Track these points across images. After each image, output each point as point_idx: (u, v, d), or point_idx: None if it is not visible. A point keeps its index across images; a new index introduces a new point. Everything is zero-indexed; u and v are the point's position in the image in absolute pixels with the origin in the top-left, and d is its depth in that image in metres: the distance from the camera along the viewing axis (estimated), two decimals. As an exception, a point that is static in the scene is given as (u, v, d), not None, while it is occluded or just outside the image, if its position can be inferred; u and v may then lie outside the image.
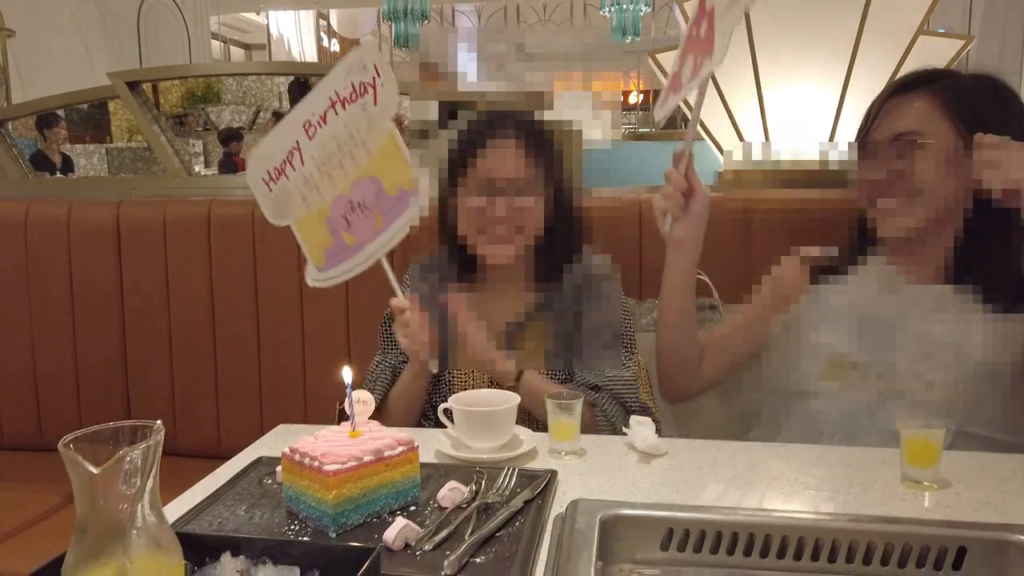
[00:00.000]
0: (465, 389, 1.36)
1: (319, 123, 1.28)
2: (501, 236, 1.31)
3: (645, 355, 1.62)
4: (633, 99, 10.38)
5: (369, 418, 0.97)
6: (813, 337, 1.30)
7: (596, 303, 1.36)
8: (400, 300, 1.28)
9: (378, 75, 1.23)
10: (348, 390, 0.91)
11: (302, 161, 1.30)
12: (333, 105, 1.27)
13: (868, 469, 1.03)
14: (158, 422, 0.70)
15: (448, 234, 1.39)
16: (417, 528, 0.84)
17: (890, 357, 1.23)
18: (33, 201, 1.99)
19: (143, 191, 2.08)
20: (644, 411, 1.33)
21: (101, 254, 1.93)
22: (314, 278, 1.34)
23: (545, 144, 1.34)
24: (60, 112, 5.91)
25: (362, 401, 0.93)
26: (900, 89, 1.24)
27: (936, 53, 1.67)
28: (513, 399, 1.10)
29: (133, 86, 2.06)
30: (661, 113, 1.31)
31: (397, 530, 0.82)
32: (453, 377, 1.37)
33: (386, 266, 1.28)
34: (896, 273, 1.27)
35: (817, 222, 1.57)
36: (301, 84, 4.87)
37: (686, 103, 1.88)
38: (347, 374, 0.91)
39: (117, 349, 1.94)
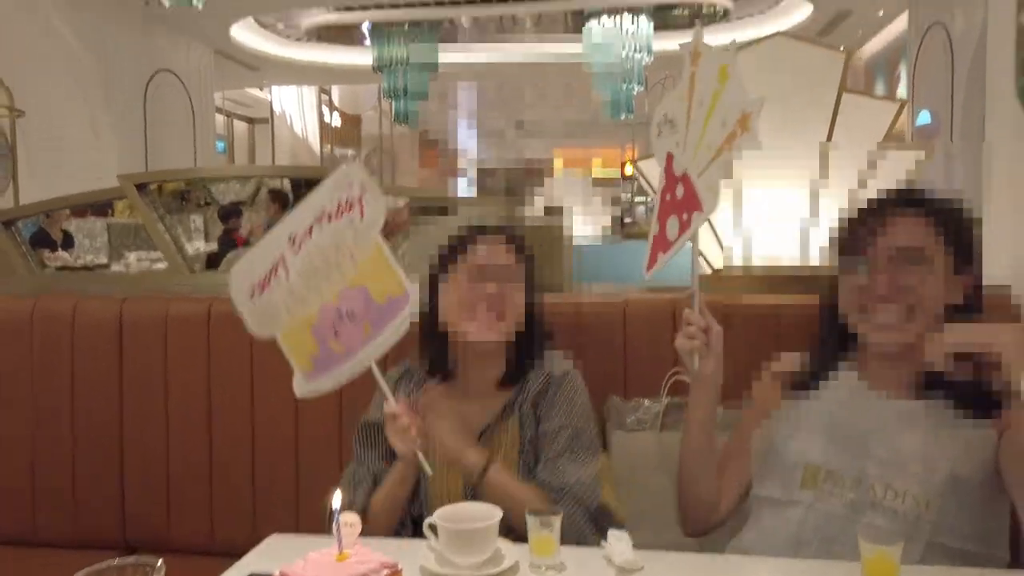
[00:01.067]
0: (439, 489, 1.41)
1: (304, 237, 1.32)
2: (487, 318, 1.38)
3: (625, 456, 1.67)
4: (629, 171, 10.64)
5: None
6: (789, 446, 1.34)
7: (557, 403, 1.42)
8: (393, 406, 1.32)
9: (365, 191, 1.29)
10: (336, 514, 0.95)
11: (287, 273, 1.33)
12: (319, 220, 1.31)
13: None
14: (159, 562, 0.75)
15: (429, 328, 1.45)
16: None
17: (862, 467, 1.27)
18: (40, 297, 2.06)
19: (149, 286, 2.15)
20: (605, 513, 1.37)
21: (103, 349, 1.98)
22: (303, 388, 1.37)
23: (526, 245, 1.46)
24: (65, 188, 6.03)
25: (349, 524, 0.98)
26: (897, 204, 1.30)
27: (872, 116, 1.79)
28: (495, 513, 1.14)
29: (141, 187, 2.16)
30: (653, 272, 1.39)
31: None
32: (429, 484, 1.41)
33: (377, 373, 1.32)
34: (867, 386, 1.32)
35: (794, 326, 1.63)
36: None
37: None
38: (336, 498, 0.95)
39: (114, 443, 1.97)
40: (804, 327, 1.45)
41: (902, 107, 1.84)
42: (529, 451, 1.42)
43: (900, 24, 8.46)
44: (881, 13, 8.91)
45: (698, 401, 1.39)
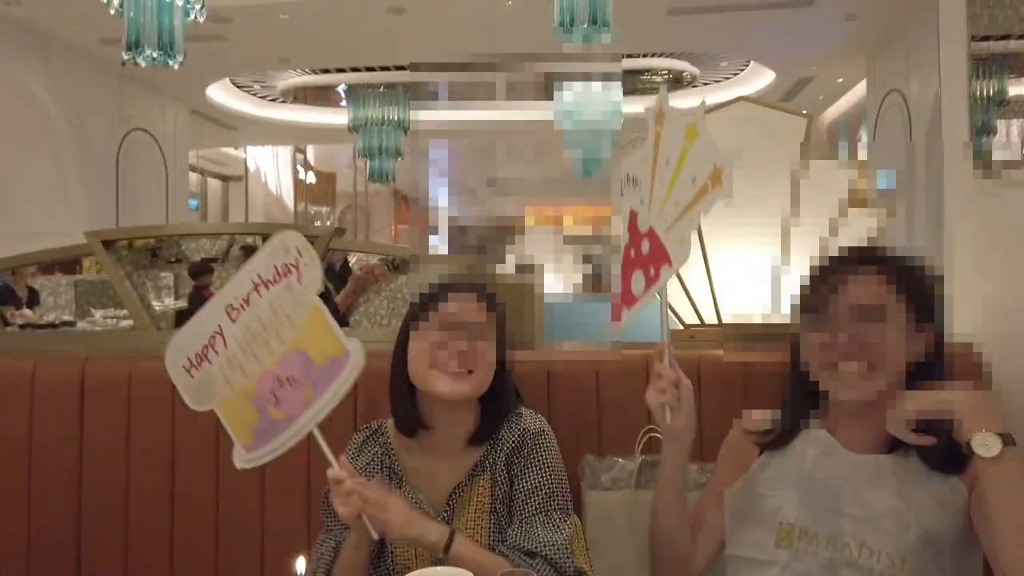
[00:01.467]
0: (408, 561, 1.38)
1: (242, 305, 1.33)
2: (456, 372, 1.36)
3: (600, 515, 1.64)
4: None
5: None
6: (763, 504, 1.34)
7: (532, 461, 1.40)
8: (336, 471, 1.29)
9: (301, 255, 1.30)
10: (302, 581, 0.92)
11: (224, 344, 1.33)
12: (256, 288, 1.32)
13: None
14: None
15: (398, 383, 1.43)
16: None
17: (836, 525, 1.27)
18: (0, 355, 2.01)
19: (113, 344, 2.10)
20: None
21: (64, 410, 1.93)
22: (243, 459, 1.34)
23: (496, 301, 1.45)
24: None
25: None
26: (860, 261, 1.32)
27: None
28: (466, 577, 1.11)
29: (108, 244, 2.13)
30: (620, 327, 1.40)
31: None
32: (395, 548, 1.39)
33: (318, 437, 1.29)
34: (837, 443, 1.33)
35: (766, 383, 1.64)
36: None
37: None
38: (300, 564, 0.92)
39: (71, 509, 1.90)
40: (776, 383, 1.46)
41: (862, 170, 1.90)
42: (501, 509, 1.39)
43: (860, 90, 8.82)
44: (840, 80, 9.28)
45: (670, 455, 1.38)
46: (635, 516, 1.71)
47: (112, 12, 4.88)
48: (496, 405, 1.43)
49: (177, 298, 7.01)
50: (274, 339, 1.30)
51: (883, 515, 1.25)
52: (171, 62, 4.94)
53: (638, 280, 1.32)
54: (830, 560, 1.25)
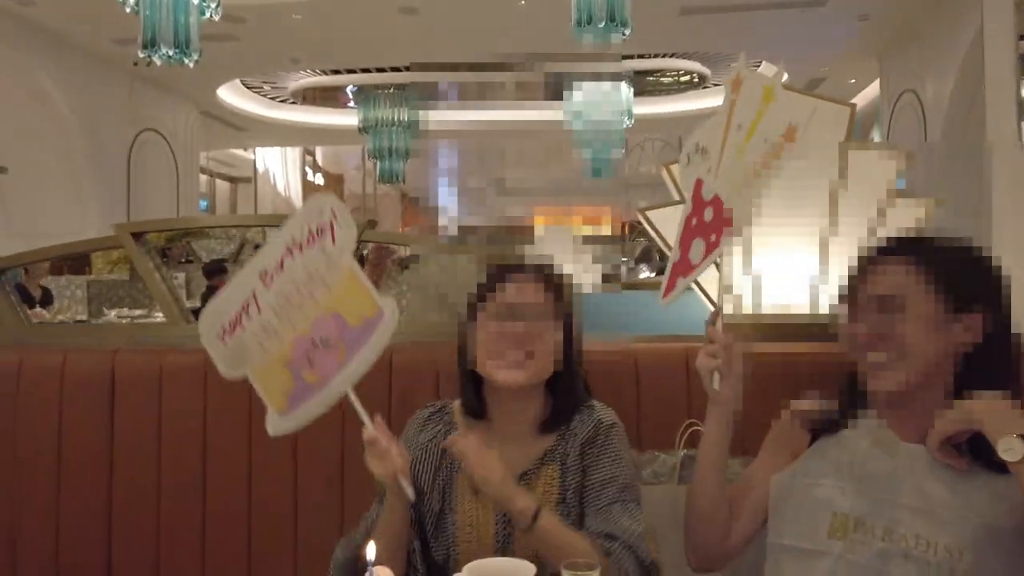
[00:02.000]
0: (469, 531, 1.36)
1: (276, 271, 1.31)
2: (515, 360, 1.33)
3: (647, 509, 1.61)
4: (608, 231, 10.74)
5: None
6: (813, 493, 1.30)
7: (605, 454, 1.38)
8: (371, 432, 1.27)
9: (335, 217, 1.28)
10: (369, 566, 0.90)
11: (259, 310, 1.31)
12: (290, 251, 1.30)
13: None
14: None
15: (463, 371, 1.42)
16: None
17: (892, 515, 1.23)
18: (28, 349, 1.99)
19: (141, 337, 2.09)
20: (654, 568, 1.33)
21: (93, 404, 1.91)
22: (275, 426, 1.31)
23: (558, 283, 1.42)
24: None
25: (381, 578, 0.92)
26: (885, 252, 1.31)
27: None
28: (528, 570, 1.09)
29: (136, 236, 2.12)
30: (671, 298, 1.37)
31: None
32: (456, 518, 1.37)
33: (352, 397, 1.27)
34: (892, 432, 1.30)
35: (806, 375, 1.61)
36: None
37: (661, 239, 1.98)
38: (371, 550, 0.90)
39: (102, 503, 1.88)
40: (817, 376, 1.44)
41: (908, 159, 1.87)
42: (572, 500, 1.36)
43: (873, 90, 8.78)
44: (853, 81, 9.25)
45: (713, 423, 1.36)
46: (677, 511, 1.67)
47: (128, 10, 4.88)
48: (566, 393, 1.40)
49: (189, 298, 7.02)
50: (308, 302, 1.28)
51: (940, 506, 1.21)
52: (187, 60, 4.93)
53: (698, 248, 1.30)
54: (885, 551, 1.21)
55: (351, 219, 1.28)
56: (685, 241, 1.35)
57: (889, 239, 1.37)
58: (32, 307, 5.54)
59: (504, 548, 1.34)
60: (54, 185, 7.25)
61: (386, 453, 1.26)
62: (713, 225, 1.27)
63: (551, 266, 1.44)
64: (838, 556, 1.24)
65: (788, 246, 1.82)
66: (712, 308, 1.38)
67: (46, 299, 5.94)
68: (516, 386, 1.35)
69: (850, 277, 1.33)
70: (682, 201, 1.99)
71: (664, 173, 1.99)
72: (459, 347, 1.43)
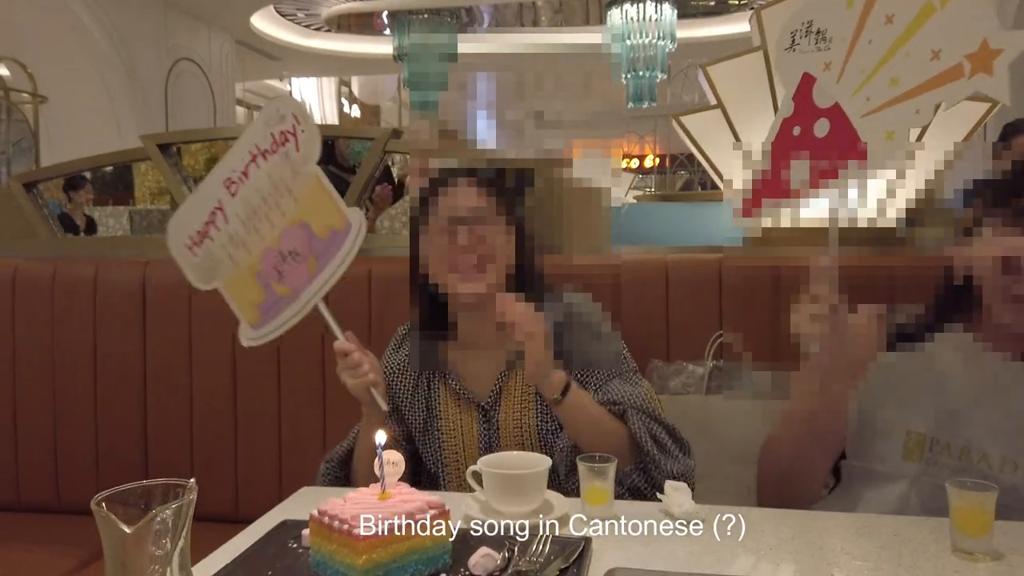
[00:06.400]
0: (455, 438, 1.36)
1: (240, 178, 1.28)
2: (470, 268, 1.28)
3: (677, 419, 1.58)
4: (649, 163, 10.51)
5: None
6: (885, 412, 1.20)
7: (585, 335, 1.33)
8: (342, 343, 1.26)
9: (298, 123, 1.24)
10: (379, 451, 0.89)
11: (225, 220, 1.28)
12: (254, 159, 1.27)
13: (917, 539, 0.99)
14: (191, 481, 0.68)
15: (420, 288, 1.37)
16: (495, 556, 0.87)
17: (973, 435, 1.14)
18: (60, 261, 2.01)
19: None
20: (673, 430, 1.29)
21: (126, 314, 1.93)
22: (248, 337, 1.31)
23: (502, 181, 1.35)
24: (87, 175, 6.05)
25: (392, 463, 0.91)
26: None
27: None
28: (544, 462, 1.07)
29: (163, 148, 2.11)
30: (752, 222, 1.17)
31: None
32: (442, 423, 1.36)
33: (323, 310, 1.26)
34: (983, 347, 1.17)
35: (884, 287, 1.53)
36: (328, 146, 4.97)
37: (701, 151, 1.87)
38: (380, 436, 0.89)
39: (137, 411, 1.92)
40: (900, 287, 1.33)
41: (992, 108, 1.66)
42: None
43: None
44: None
45: (806, 393, 1.20)
46: (706, 421, 1.65)
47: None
48: (528, 283, 1.31)
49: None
50: (275, 212, 1.25)
51: None
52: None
53: (800, 170, 1.02)
54: (962, 471, 1.12)
55: (315, 125, 1.24)
56: (778, 152, 1.06)
57: None
58: (77, 235, 5.66)
59: (488, 449, 1.32)
60: (93, 115, 7.29)
61: (358, 365, 1.25)
62: (827, 144, 0.99)
63: (490, 169, 1.36)
64: (914, 479, 1.16)
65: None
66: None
67: (90, 228, 6.06)
68: (475, 299, 1.29)
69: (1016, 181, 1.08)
70: (719, 105, 1.91)
71: (701, 75, 1.89)
72: (411, 269, 1.37)
